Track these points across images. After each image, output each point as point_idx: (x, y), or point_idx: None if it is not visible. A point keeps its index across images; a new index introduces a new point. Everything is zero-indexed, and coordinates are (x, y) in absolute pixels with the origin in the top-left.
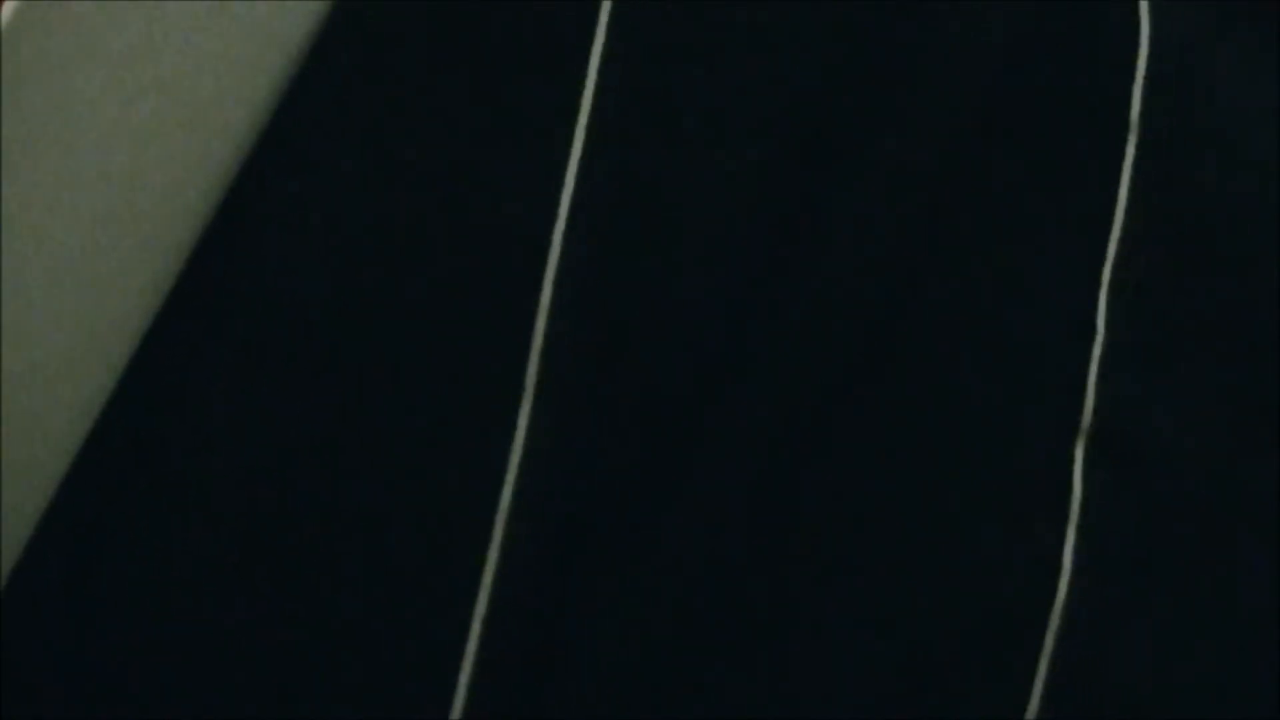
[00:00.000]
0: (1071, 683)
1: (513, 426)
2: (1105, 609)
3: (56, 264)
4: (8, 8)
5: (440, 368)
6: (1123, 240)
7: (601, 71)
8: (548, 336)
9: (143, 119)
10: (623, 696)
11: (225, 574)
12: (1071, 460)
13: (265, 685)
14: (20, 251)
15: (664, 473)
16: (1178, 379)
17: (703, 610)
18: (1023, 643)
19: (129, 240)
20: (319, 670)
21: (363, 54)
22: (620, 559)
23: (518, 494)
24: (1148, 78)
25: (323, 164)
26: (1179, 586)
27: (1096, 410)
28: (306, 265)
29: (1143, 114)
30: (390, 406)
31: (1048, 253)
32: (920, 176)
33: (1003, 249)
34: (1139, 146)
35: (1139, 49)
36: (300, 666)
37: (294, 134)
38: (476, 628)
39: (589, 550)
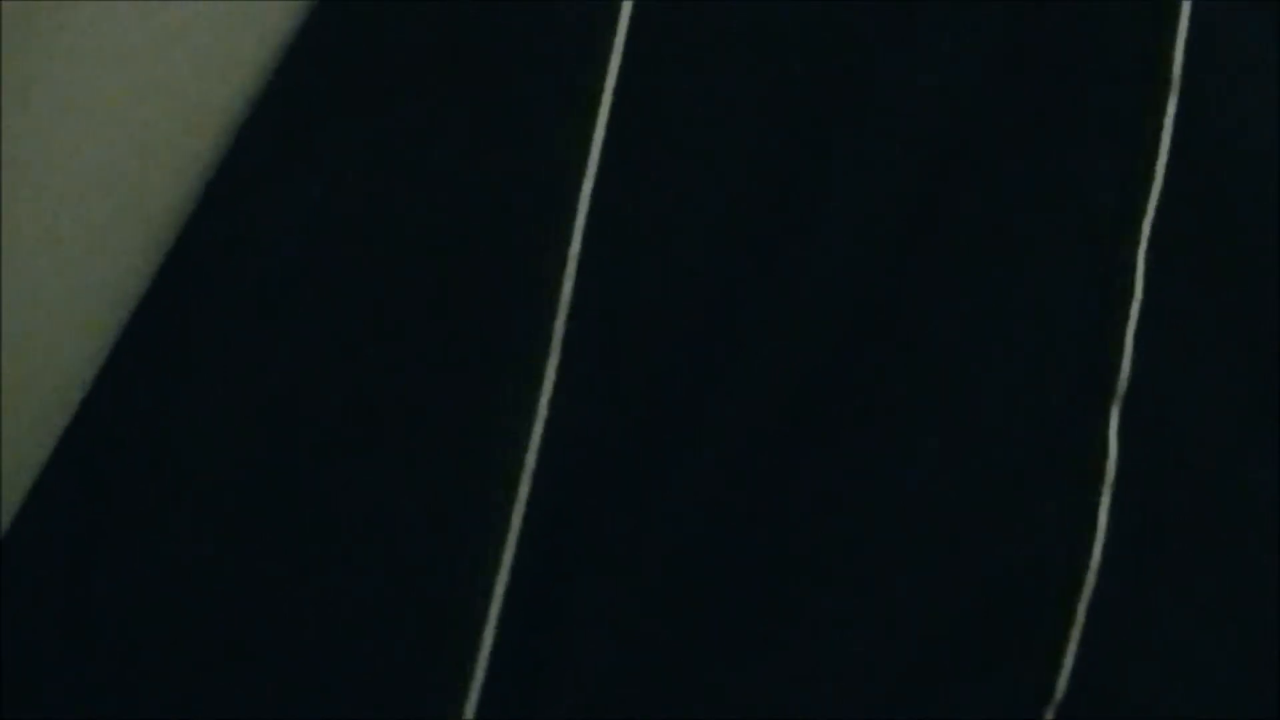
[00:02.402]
0: (1103, 650)
1: (532, 413)
2: (1140, 574)
3: (59, 268)
4: (8, 8)
5: (454, 344)
6: (1163, 197)
7: (623, 65)
8: (568, 323)
9: (144, 118)
10: (632, 689)
11: (226, 570)
12: (1107, 423)
13: (268, 682)
14: (23, 255)
15: (669, 451)
16: (1216, 341)
17: (717, 587)
18: (1056, 610)
19: (133, 244)
20: (324, 661)
21: (372, 47)
22: (623, 547)
23: (533, 490)
24: (1189, 34)
25: (335, 138)
26: (1214, 552)
27: (1134, 371)
28: (315, 237)
29: (1185, 71)
30: (400, 386)
31: (1086, 209)
32: (953, 130)
33: (1039, 207)
34: (1180, 103)
35: (1181, 6)
36: (305, 658)
37: (300, 117)
38: (492, 620)
39: (591, 541)
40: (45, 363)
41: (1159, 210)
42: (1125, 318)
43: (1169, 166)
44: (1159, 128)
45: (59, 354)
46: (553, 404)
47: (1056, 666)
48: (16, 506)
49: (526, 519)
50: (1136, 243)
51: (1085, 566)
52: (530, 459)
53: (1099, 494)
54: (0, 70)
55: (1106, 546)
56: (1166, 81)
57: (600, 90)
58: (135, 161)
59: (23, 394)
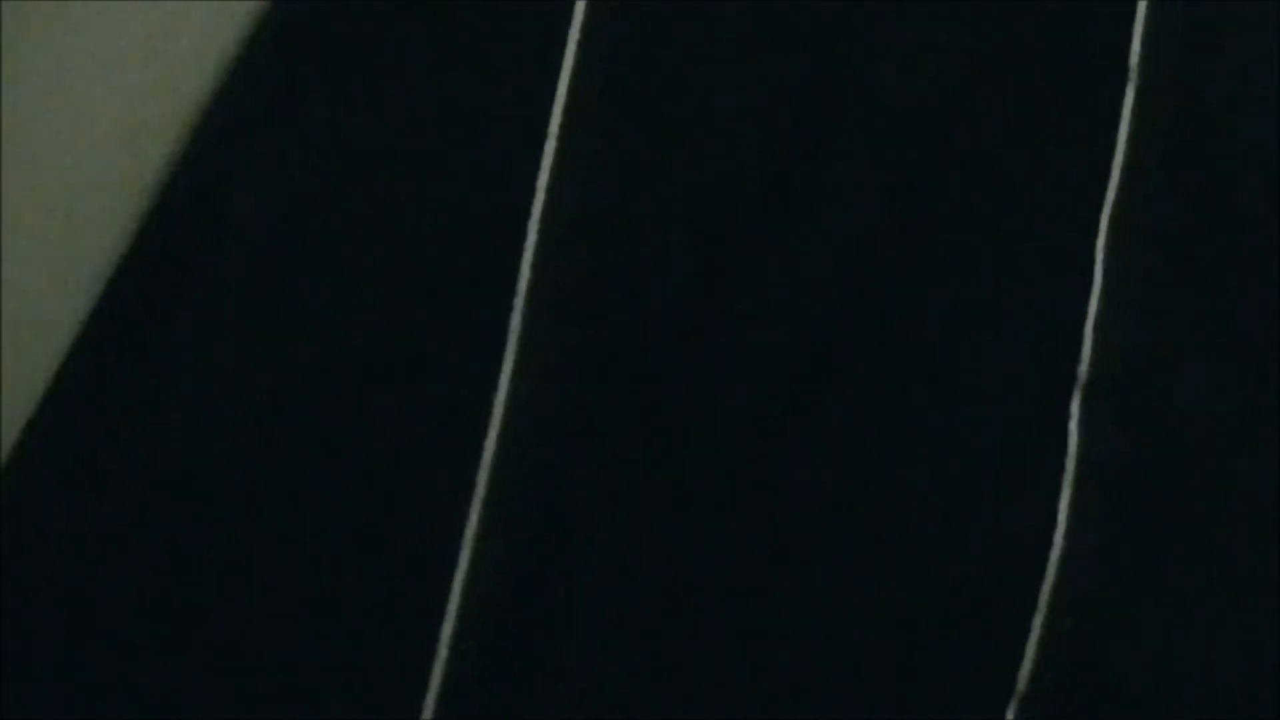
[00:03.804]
0: (1065, 640)
1: (488, 411)
2: (1099, 565)
3: (56, 264)
4: (7, 7)
5: (416, 346)
6: (1121, 186)
7: (581, 43)
8: (524, 315)
9: (144, 119)
10: (605, 685)
11: (178, 558)
12: (1068, 414)
13: (230, 678)
14: (21, 252)
15: (643, 448)
16: (1176, 328)
17: (690, 583)
18: (1017, 600)
19: (127, 234)
20: (282, 655)
21: (338, 38)
22: (597, 542)
23: (493, 476)
24: (1147, 24)
25: (299, 133)
26: (1176, 544)
27: (1094, 362)
28: (280, 233)
29: (1142, 61)
30: (362, 373)
31: (1045, 199)
32: (913, 128)
33: (998, 198)
34: (1138, 93)
35: None
36: (270, 654)
37: (266, 106)
38: (452, 613)
39: (564, 536)
40: (43, 355)
41: (1117, 201)
42: (1085, 308)
43: (1126, 157)
44: (1116, 118)
45: (56, 350)
46: (510, 397)
47: (1018, 659)
48: None
49: (484, 515)
50: (1095, 233)
51: (1046, 557)
52: (488, 450)
53: (1060, 484)
54: (0, 69)
55: (1067, 537)
56: (1124, 72)
57: (555, 83)
58: (131, 158)
59: (20, 388)
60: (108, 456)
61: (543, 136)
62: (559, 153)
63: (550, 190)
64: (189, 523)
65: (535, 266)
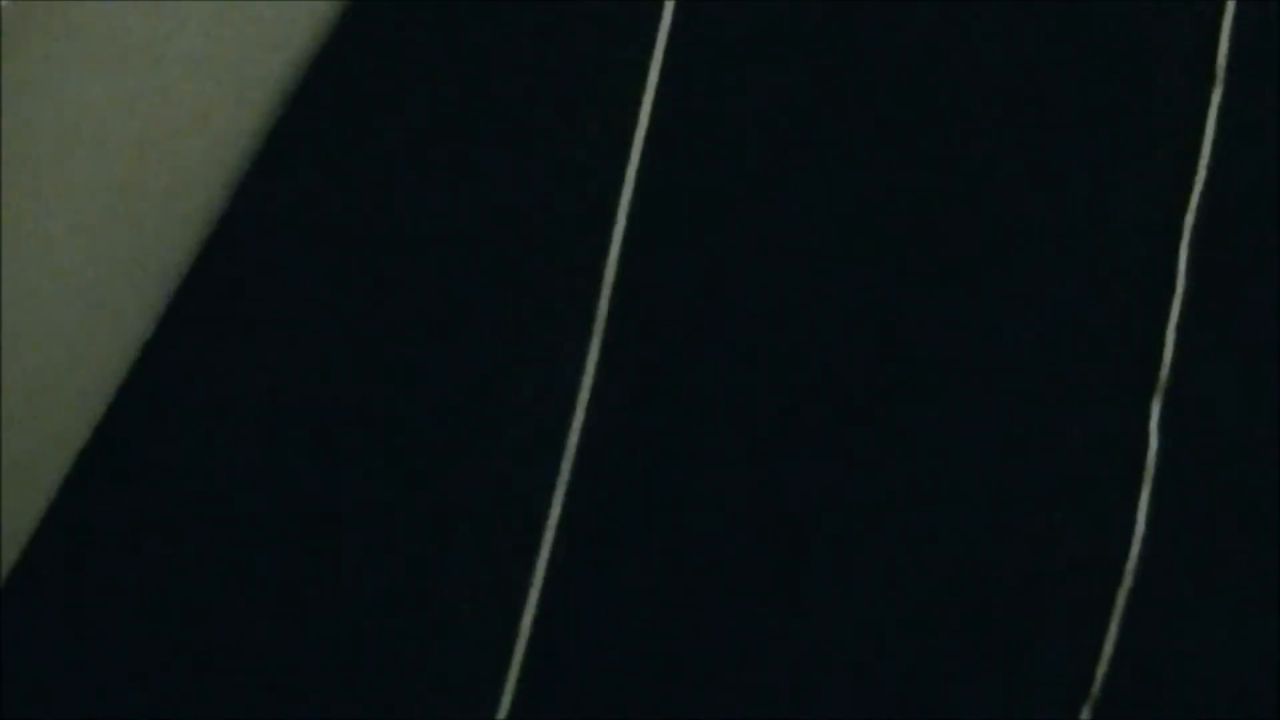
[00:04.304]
0: (1141, 644)
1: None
2: (1178, 571)
3: (57, 267)
4: (7, 7)
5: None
6: (1206, 191)
7: (664, 65)
8: (608, 321)
9: (145, 121)
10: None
11: (252, 573)
12: (1147, 417)
13: (275, 688)
14: (21, 254)
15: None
16: (1257, 335)
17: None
18: (1094, 603)
19: (130, 244)
20: (330, 674)
21: (409, 50)
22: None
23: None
24: (1235, 27)
25: (369, 140)
26: (1253, 547)
27: (1174, 366)
28: (322, 259)
29: (1229, 64)
30: (437, 385)
31: (1128, 203)
32: (999, 120)
33: (1082, 200)
34: (1224, 97)
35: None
36: (314, 671)
37: (313, 131)
38: (528, 619)
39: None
40: (43, 363)
41: (1201, 204)
42: (1167, 311)
43: (1212, 161)
44: (1203, 122)
45: (56, 353)
46: (590, 403)
47: (1094, 662)
48: (17, 510)
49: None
50: (1179, 236)
51: (1124, 561)
52: (565, 466)
53: (1139, 488)
54: (0, 70)
55: (1145, 541)
56: (1211, 75)
57: (642, 90)
58: (133, 162)
59: (20, 394)
60: (181, 483)
61: (630, 142)
62: (644, 157)
63: (635, 199)
64: (252, 533)
65: (619, 272)
